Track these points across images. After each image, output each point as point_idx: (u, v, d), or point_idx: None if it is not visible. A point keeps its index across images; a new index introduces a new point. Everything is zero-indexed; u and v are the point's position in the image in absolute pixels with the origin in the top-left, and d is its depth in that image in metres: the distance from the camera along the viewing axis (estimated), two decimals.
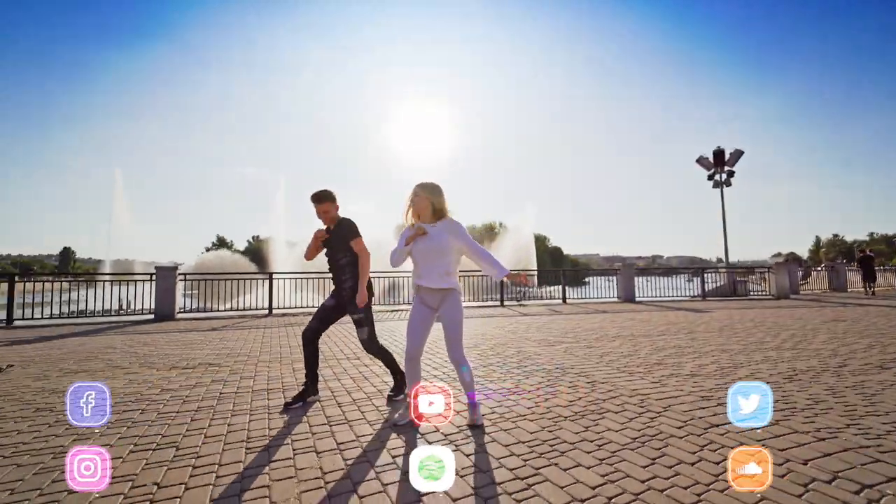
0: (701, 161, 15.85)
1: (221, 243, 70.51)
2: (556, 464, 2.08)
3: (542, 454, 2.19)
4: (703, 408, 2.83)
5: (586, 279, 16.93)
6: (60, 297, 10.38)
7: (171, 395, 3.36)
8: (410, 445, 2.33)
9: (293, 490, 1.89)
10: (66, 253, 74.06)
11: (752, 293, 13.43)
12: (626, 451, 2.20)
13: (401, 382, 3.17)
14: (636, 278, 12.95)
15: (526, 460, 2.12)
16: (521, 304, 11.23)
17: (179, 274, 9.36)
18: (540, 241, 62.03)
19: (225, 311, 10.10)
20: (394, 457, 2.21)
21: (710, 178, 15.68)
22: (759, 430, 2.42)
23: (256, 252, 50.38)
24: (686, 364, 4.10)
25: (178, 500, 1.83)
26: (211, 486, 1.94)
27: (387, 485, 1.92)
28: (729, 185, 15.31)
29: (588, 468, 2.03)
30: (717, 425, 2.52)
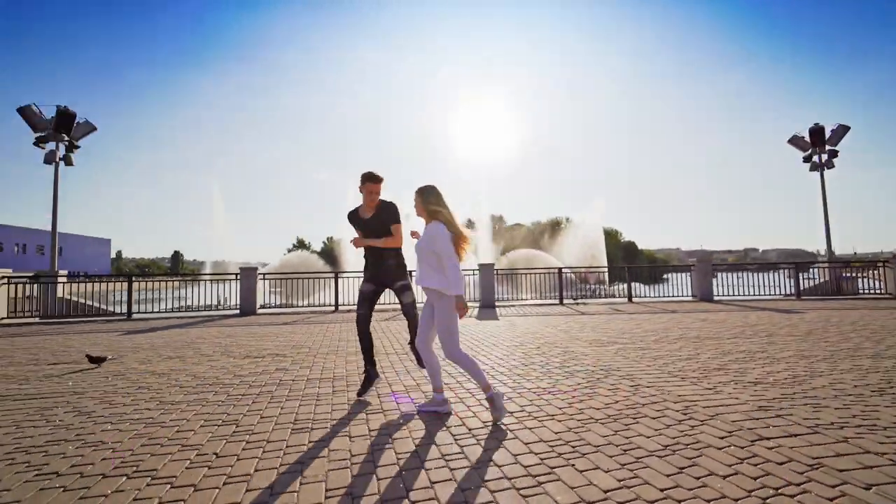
0: (795, 141, 13.91)
1: (301, 244, 76.55)
2: (573, 465, 2.06)
3: (561, 454, 2.17)
4: (757, 419, 2.58)
5: (665, 276, 15.74)
6: (170, 294, 12.21)
7: (241, 380, 3.83)
8: (432, 435, 2.45)
9: (323, 468, 2.10)
10: (177, 256, 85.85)
11: (862, 292, 11.54)
12: (653, 459, 2.10)
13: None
14: (722, 274, 11.80)
15: (543, 459, 2.13)
16: (577, 303, 10.82)
17: (259, 274, 10.45)
18: (611, 236, 58.74)
19: (300, 307, 11.07)
20: (417, 445, 2.34)
21: (807, 160, 13.68)
22: (819, 447, 2.16)
23: (330, 252, 54.10)
24: (752, 370, 3.72)
25: (230, 468, 2.13)
26: (257, 459, 2.22)
27: (404, 471, 2.05)
28: (831, 166, 13.24)
29: (606, 472, 1.98)
30: (767, 438, 2.29)
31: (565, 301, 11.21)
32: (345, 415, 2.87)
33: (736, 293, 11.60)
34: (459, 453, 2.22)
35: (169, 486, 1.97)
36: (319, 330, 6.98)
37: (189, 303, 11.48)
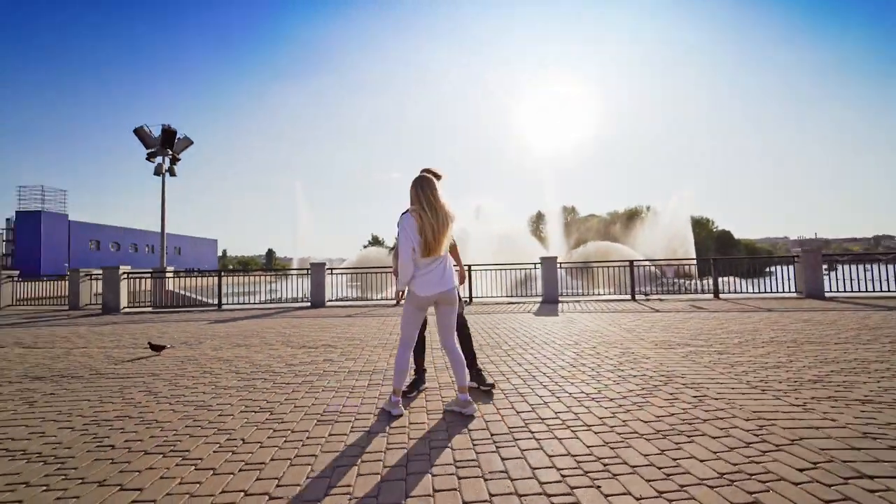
0: None
1: (375, 241, 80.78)
2: (598, 487, 1.78)
3: (588, 472, 1.90)
4: (858, 448, 2.04)
5: (769, 269, 13.74)
6: (263, 288, 13.52)
7: (290, 369, 4.02)
8: (450, 439, 2.30)
9: (332, 464, 2.07)
10: (270, 253, 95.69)
11: None
12: (701, 489, 1.74)
13: (477, 375, 3.16)
14: (844, 266, 9.94)
15: (565, 476, 1.88)
16: (649, 299, 9.81)
17: (327, 269, 11.08)
18: (702, 226, 53.04)
19: (372, 300, 11.54)
20: (431, 448, 2.22)
21: None
22: None
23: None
24: (861, 386, 3.00)
25: (250, 454, 2.20)
26: (276, 448, 2.27)
27: (410, 474, 1.94)
28: None
29: (637, 500, 1.68)
30: (869, 477, 1.78)
31: (637, 297, 10.27)
32: (372, 409, 2.85)
33: (857, 289, 9.67)
34: (473, 461, 2.05)
35: (193, 467, 2.09)
36: (376, 323, 7.17)
37: (277, 295, 12.62)
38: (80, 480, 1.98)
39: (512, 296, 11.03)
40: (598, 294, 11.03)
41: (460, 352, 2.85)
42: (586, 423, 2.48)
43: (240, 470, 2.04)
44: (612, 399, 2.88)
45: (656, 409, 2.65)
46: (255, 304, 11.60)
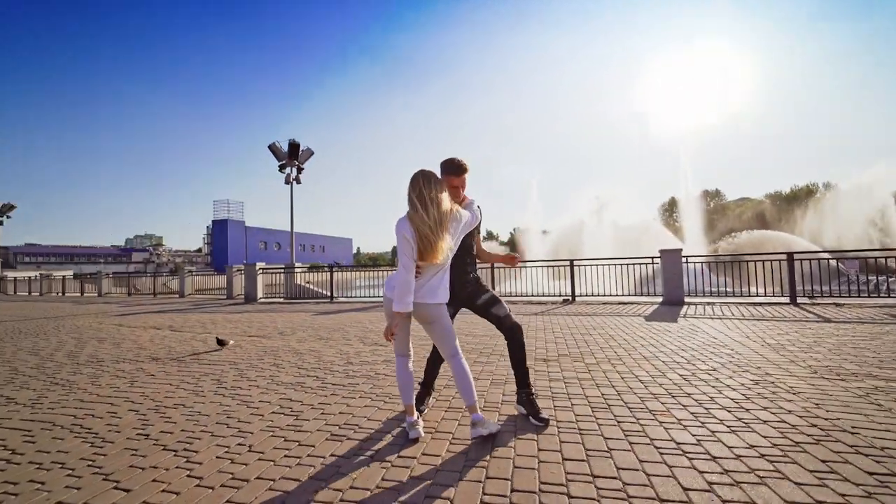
0: None
1: (490, 236, 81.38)
2: None
3: None
4: None
5: None
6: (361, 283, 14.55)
7: (348, 367, 3.91)
8: (458, 463, 1.77)
9: (322, 484, 1.75)
10: (394, 250, 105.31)
11: None
12: None
13: (527, 400, 2.54)
14: None
15: None
16: (814, 302, 7.29)
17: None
18: None
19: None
20: (437, 469, 1.73)
21: None
22: None
23: (516, 242, 55.18)
24: None
25: (243, 467, 2.02)
26: (269, 465, 2.05)
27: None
28: None
29: None
30: None
31: (800, 300, 7.85)
32: (395, 426, 2.47)
33: None
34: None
35: (200, 464, 2.04)
36: (466, 321, 6.81)
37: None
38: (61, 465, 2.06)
39: (625, 295, 9.53)
40: (748, 294, 8.80)
41: (462, 364, 2.30)
42: (649, 498, 1.68)
43: (228, 481, 1.87)
44: (714, 457, 1.96)
45: (789, 489, 1.68)
46: (363, 297, 12.40)
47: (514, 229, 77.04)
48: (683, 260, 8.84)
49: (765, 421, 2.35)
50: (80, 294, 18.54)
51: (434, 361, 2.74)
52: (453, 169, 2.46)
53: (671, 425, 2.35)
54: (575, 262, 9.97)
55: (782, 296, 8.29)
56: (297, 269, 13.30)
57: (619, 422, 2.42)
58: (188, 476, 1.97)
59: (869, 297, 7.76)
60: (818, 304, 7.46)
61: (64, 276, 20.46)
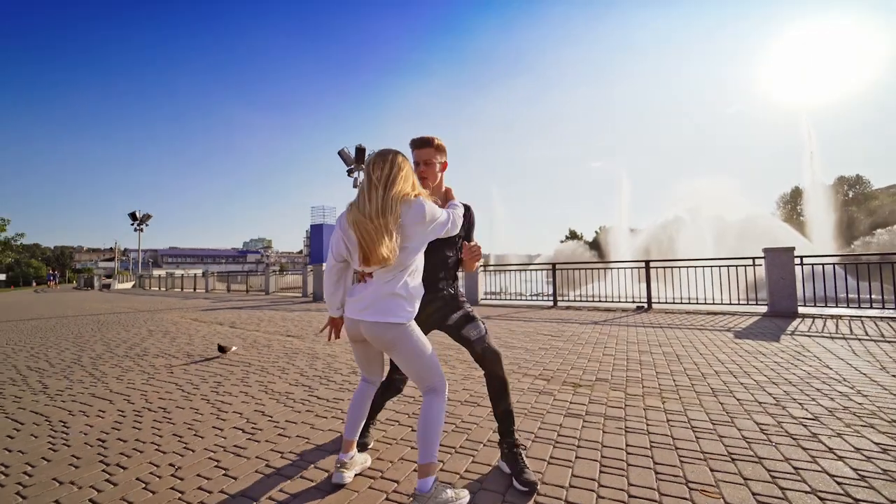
0: None
1: (573, 235, 77.13)
2: None
3: None
4: None
5: None
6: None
7: (348, 377, 3.59)
8: None
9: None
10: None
11: None
12: None
13: (511, 453, 1.90)
14: None
15: None
16: None
17: (479, 266, 10.63)
18: None
19: (528, 298, 10.51)
20: None
21: None
22: None
23: (599, 242, 51.44)
24: None
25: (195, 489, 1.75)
26: (195, 487, 1.75)
27: None
28: None
29: None
30: None
31: None
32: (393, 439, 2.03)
33: None
34: None
35: (112, 475, 1.78)
36: (518, 327, 6.16)
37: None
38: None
39: (719, 303, 7.90)
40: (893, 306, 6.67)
41: (437, 407, 1.70)
42: None
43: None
44: None
45: None
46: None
47: (600, 228, 72.12)
48: (797, 261, 7.05)
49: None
50: (192, 290, 21.45)
51: (384, 390, 2.19)
52: (413, 141, 1.94)
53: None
54: (651, 264, 8.59)
55: None
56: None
57: (632, 496, 1.68)
58: (90, 486, 1.75)
59: None
60: None
61: (183, 275, 23.87)
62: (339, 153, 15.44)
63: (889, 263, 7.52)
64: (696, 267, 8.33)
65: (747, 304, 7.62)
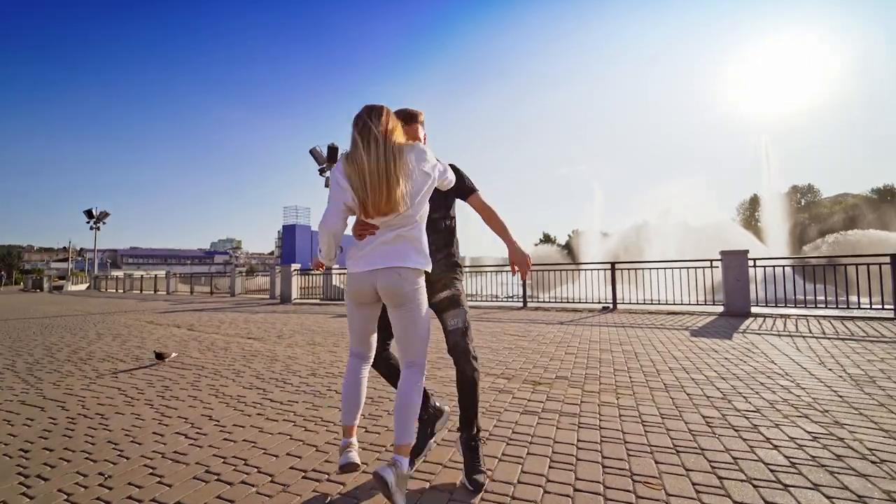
0: None
1: (547, 239, 78.59)
2: None
3: None
4: None
5: None
6: None
7: (307, 379, 3.47)
8: None
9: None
10: None
11: None
12: None
13: (468, 448, 1.84)
14: None
15: None
16: None
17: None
18: None
19: (501, 299, 10.53)
20: None
21: None
22: None
23: (571, 245, 52.61)
24: None
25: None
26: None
27: None
28: None
29: None
30: None
31: None
32: (279, 483, 1.95)
33: None
34: None
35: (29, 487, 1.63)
36: (486, 328, 6.15)
37: None
38: None
39: (680, 304, 8.20)
40: (839, 306, 7.10)
41: (419, 382, 1.64)
42: None
43: None
44: None
45: None
46: None
47: (573, 231, 73.74)
48: (751, 263, 7.41)
49: None
50: (153, 291, 20.45)
51: (387, 373, 2.00)
52: (404, 115, 1.86)
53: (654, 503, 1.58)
54: (617, 266, 8.83)
55: (883, 308, 6.59)
56: (334, 272, 13.39)
57: (578, 490, 1.69)
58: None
59: None
60: None
61: (143, 276, 22.73)
62: (311, 152, 15.14)
63: (833, 266, 8.06)
64: (659, 269, 8.64)
65: (706, 304, 7.95)
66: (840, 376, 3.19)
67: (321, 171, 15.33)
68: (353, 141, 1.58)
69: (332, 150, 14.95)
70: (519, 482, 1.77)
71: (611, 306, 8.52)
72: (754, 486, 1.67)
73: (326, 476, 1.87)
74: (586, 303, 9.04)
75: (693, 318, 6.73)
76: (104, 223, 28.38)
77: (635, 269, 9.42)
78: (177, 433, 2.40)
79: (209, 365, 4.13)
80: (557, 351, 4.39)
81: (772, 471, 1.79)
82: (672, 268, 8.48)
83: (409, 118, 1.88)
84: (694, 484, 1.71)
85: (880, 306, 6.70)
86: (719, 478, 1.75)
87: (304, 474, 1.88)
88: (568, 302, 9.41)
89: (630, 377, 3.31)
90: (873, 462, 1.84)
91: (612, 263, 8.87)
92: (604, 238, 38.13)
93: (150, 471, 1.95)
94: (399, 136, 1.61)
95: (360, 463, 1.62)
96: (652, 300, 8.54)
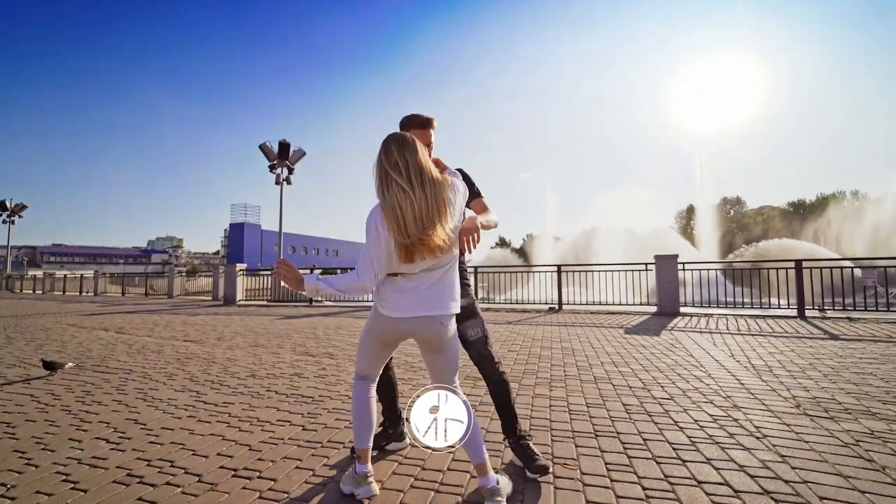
0: None
1: (503, 242, 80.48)
2: None
3: None
4: None
5: None
6: None
7: (246, 380, 3.37)
8: None
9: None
10: None
11: None
12: None
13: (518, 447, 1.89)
14: None
15: None
16: (825, 316, 6.40)
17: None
18: None
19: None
20: None
21: None
22: None
23: (525, 249, 54.27)
24: None
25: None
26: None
27: None
28: None
29: None
30: None
31: (809, 312, 6.96)
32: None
33: None
34: None
35: None
36: None
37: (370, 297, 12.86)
38: None
39: (621, 304, 8.75)
40: (755, 306, 7.92)
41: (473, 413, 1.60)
42: None
43: None
44: None
45: None
46: (346, 302, 11.91)
47: (527, 236, 76.00)
48: (680, 267, 8.07)
49: (699, 482, 1.70)
50: (78, 293, 18.65)
51: (386, 386, 2.05)
52: (420, 122, 1.81)
53: (567, 482, 1.72)
54: (563, 268, 9.27)
55: (788, 307, 7.43)
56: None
57: (499, 474, 1.80)
58: None
59: (889, 310, 6.83)
60: (829, 317, 6.59)
61: (66, 275, 20.68)
62: (261, 147, 14.55)
63: (750, 271, 8.98)
64: (601, 271, 9.18)
65: (642, 304, 8.55)
66: (745, 367, 3.58)
67: (272, 168, 14.77)
68: (386, 178, 1.44)
69: (284, 146, 14.47)
70: (448, 469, 1.85)
71: (556, 307, 8.92)
72: (657, 463, 1.87)
73: (258, 473, 1.85)
74: (535, 304, 9.40)
75: (629, 318, 7.21)
76: (20, 216, 25.49)
77: (581, 271, 9.91)
78: (97, 438, 2.26)
79: (138, 369, 3.89)
80: (501, 349, 4.56)
81: (674, 449, 2.00)
82: (613, 270, 9.05)
83: (423, 124, 1.82)
84: (607, 463, 1.88)
85: (787, 306, 7.55)
86: (629, 457, 1.93)
87: (234, 473, 1.86)
88: (517, 303, 9.73)
89: (565, 371, 3.53)
90: (757, 438, 2.12)
91: (559, 266, 9.29)
92: (556, 242, 39.73)
93: (63, 478, 1.84)
94: (435, 170, 1.50)
95: (377, 493, 1.66)
96: (596, 301, 9.05)
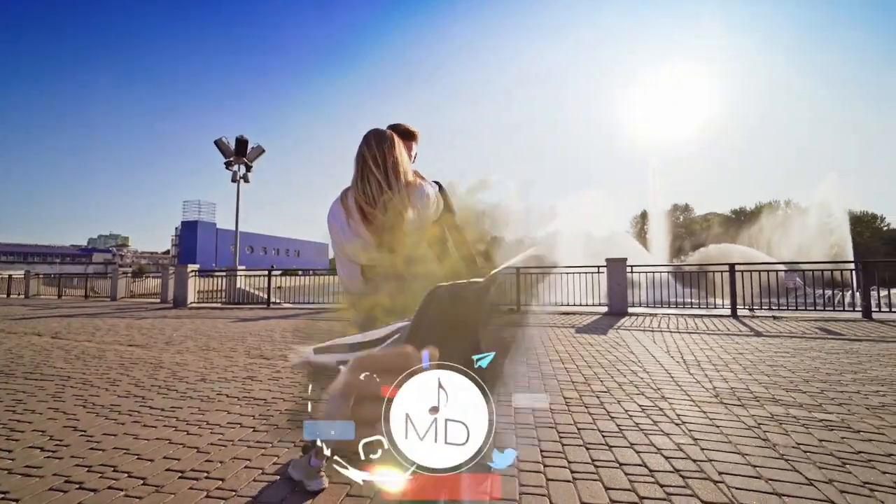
0: None
1: None
2: None
3: None
4: None
5: None
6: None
7: (195, 385, 3.30)
8: None
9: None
10: None
11: None
12: None
13: None
14: None
15: None
16: (753, 315, 7.09)
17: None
18: (864, 223, 41.87)
19: None
20: None
21: None
22: None
23: (490, 253, 55.03)
24: None
25: None
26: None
27: None
28: None
29: None
30: None
31: (740, 312, 7.64)
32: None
33: None
34: None
35: None
36: None
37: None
38: None
39: (577, 305, 9.17)
40: (696, 306, 8.55)
41: None
42: None
43: None
44: None
45: None
46: (305, 303, 11.69)
47: (492, 238, 77.05)
48: (629, 269, 8.58)
49: (620, 464, 1.90)
50: (6, 295, 17.06)
51: None
52: (401, 133, 1.65)
53: (504, 469, 1.87)
54: (521, 270, 9.59)
55: (723, 307, 8.10)
56: (239, 273, 12.49)
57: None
58: None
59: (806, 310, 7.62)
60: (757, 316, 7.26)
61: None
62: (217, 143, 13.99)
63: (692, 273, 9.68)
64: (558, 274, 9.59)
65: (595, 305, 9.01)
66: (678, 362, 3.92)
67: (227, 165, 14.23)
68: (363, 166, 1.29)
69: (241, 142, 14.00)
70: None
71: (514, 308, 9.20)
72: (587, 449, 2.06)
73: (206, 474, 1.87)
74: None
75: (581, 318, 7.60)
76: None
77: (539, 273, 10.29)
78: (30, 447, 2.17)
79: (77, 375, 3.70)
80: None
81: (604, 436, 2.21)
82: (569, 273, 9.47)
83: (404, 135, 1.72)
84: (542, 451, 2.04)
85: (724, 306, 8.21)
86: (563, 445, 2.11)
87: (181, 474, 1.86)
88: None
89: (515, 369, 3.71)
90: (677, 424, 2.37)
91: (518, 268, 9.60)
92: (518, 244, 40.63)
93: None
94: (411, 172, 1.39)
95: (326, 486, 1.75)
96: (553, 302, 9.44)
